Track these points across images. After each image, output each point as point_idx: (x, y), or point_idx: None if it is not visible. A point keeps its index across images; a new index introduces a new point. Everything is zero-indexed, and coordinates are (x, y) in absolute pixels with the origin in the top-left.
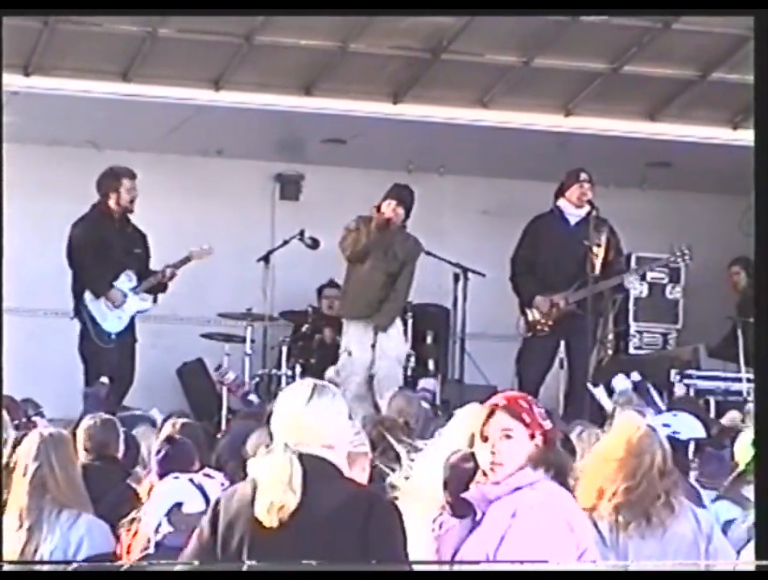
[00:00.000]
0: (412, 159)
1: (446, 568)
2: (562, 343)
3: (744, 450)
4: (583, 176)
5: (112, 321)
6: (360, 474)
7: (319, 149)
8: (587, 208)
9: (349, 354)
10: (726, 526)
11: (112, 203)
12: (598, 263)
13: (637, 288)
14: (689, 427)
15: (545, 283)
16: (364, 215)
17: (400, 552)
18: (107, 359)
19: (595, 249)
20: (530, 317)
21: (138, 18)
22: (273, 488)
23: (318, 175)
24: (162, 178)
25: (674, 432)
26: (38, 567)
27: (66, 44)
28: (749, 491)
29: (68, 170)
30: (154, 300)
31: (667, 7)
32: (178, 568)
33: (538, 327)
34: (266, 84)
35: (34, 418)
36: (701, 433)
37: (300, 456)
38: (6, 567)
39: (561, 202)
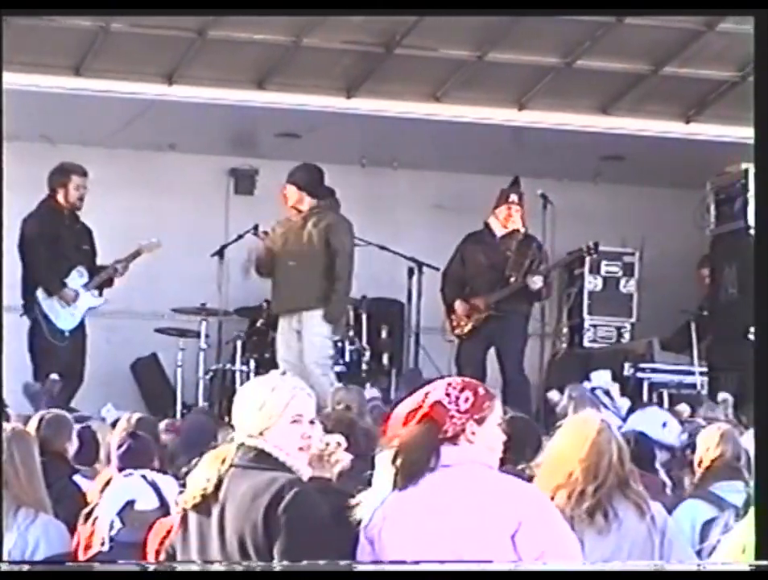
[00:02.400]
0: (366, 153)
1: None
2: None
3: (706, 446)
4: (512, 197)
5: (65, 319)
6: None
7: (273, 143)
8: (515, 226)
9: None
10: (706, 526)
11: (60, 199)
12: (519, 271)
13: (538, 285)
14: (656, 422)
15: (471, 291)
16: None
17: (305, 543)
18: (59, 357)
19: (516, 257)
20: (454, 322)
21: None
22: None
23: (272, 169)
24: (115, 173)
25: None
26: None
27: (17, 39)
28: (718, 488)
29: (21, 165)
30: (100, 294)
31: (668, 7)
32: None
33: (457, 331)
34: (220, 78)
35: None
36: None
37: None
38: (6, 567)
39: (491, 219)
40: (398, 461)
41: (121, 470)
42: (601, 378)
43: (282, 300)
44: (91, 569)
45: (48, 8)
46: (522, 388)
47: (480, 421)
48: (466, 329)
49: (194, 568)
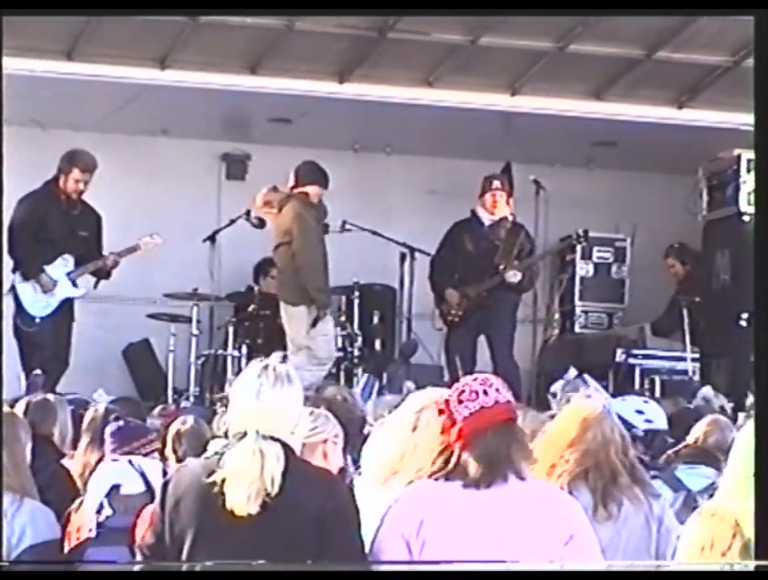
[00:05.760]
0: (358, 138)
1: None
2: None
3: (696, 435)
4: (495, 184)
5: (38, 305)
6: (321, 461)
7: (265, 128)
8: (502, 213)
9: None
10: None
11: (61, 184)
12: (509, 260)
13: (515, 279)
14: (659, 417)
15: (460, 279)
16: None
17: (355, 538)
18: (38, 342)
19: (505, 245)
20: (444, 310)
21: None
22: (248, 476)
23: (264, 154)
24: (107, 158)
25: (647, 420)
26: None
27: (9, 23)
28: (681, 470)
29: (12, 149)
30: (95, 286)
31: (668, 7)
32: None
33: (449, 318)
34: (212, 63)
35: None
36: (665, 425)
37: (269, 440)
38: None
39: (477, 208)
40: (481, 462)
41: (113, 452)
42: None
43: (316, 293)
44: (91, 570)
45: (48, 8)
46: (512, 374)
47: None
48: (456, 318)
49: (187, 568)
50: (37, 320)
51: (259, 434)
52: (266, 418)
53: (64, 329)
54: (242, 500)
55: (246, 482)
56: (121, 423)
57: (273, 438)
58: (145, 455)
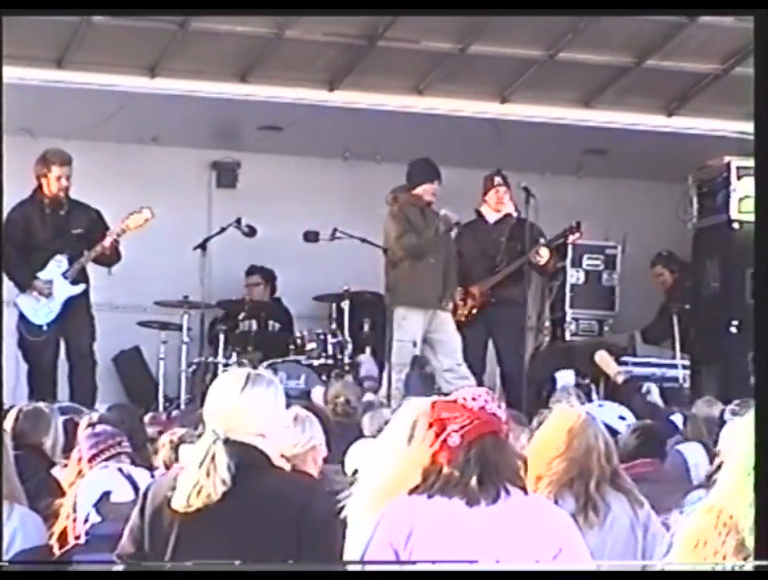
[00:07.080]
0: (348, 146)
1: (395, 568)
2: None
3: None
4: (497, 180)
5: (41, 313)
6: (313, 468)
7: (255, 136)
8: (507, 210)
9: (414, 344)
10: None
11: (45, 188)
12: (512, 256)
13: (544, 258)
14: (615, 416)
15: (465, 279)
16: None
17: (336, 545)
18: (38, 353)
19: (509, 243)
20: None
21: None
22: (194, 473)
23: (254, 162)
24: (97, 166)
25: (629, 426)
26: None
27: None
28: None
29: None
30: (109, 272)
31: (669, 7)
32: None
33: (456, 318)
34: (202, 71)
35: None
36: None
37: (228, 442)
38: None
39: (482, 207)
40: (476, 478)
41: (90, 459)
42: (565, 377)
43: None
44: (91, 570)
45: (47, 8)
46: (515, 378)
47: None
48: (462, 317)
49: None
50: (44, 328)
51: (217, 435)
52: (233, 420)
53: (85, 319)
54: (182, 500)
55: (191, 481)
56: (91, 429)
57: (241, 442)
58: (111, 458)
